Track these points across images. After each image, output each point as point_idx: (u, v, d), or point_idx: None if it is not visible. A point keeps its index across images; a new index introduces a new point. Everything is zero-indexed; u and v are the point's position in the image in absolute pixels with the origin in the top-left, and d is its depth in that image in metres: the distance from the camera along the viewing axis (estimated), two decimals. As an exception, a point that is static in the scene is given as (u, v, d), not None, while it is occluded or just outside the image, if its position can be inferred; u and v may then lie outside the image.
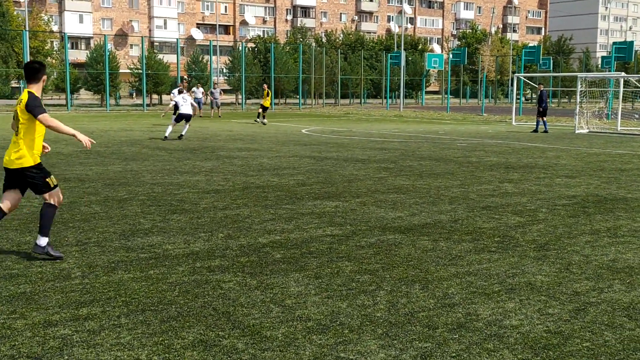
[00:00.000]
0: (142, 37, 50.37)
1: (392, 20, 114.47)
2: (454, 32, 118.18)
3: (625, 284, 6.07)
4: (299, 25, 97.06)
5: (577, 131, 27.47)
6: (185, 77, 49.53)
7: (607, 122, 29.40)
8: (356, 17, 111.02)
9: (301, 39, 78.12)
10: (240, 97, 53.07)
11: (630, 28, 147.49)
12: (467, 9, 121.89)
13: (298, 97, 52.94)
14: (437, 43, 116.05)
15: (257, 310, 5.22)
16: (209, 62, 51.98)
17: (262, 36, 79.29)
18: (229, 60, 60.59)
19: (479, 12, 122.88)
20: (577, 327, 4.96)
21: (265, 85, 33.74)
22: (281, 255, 6.94)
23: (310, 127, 29.89)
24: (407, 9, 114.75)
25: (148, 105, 51.58)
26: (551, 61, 56.22)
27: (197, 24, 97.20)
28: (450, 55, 48.25)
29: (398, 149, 19.43)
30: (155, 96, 60.06)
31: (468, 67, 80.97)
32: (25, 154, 6.45)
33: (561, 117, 40.37)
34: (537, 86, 27.60)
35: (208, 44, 68.53)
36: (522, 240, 7.74)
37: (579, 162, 16.45)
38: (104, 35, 47.94)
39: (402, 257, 6.93)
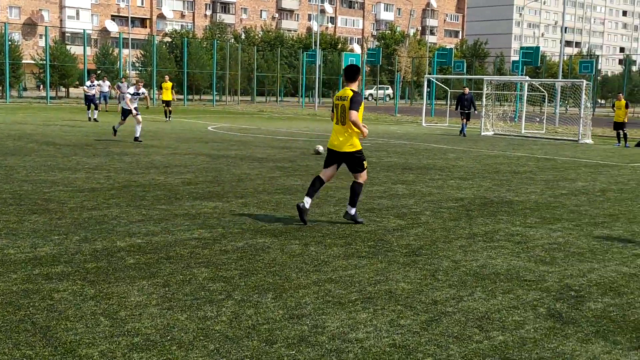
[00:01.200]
0: (46, 26, 48.35)
1: (313, 19, 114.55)
2: (374, 33, 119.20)
3: (486, 291, 5.88)
4: (217, 20, 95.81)
5: (482, 133, 27.87)
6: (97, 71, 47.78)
7: (513, 125, 29.97)
8: (277, 15, 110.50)
9: (219, 35, 77.01)
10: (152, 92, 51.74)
11: (543, 34, 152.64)
12: (387, 10, 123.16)
13: (212, 93, 51.97)
14: (357, 43, 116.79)
15: (82, 324, 4.73)
16: (120, 55, 50.33)
17: (179, 31, 77.72)
18: (141, 54, 58.97)
19: (399, 14, 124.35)
20: (425, 340, 4.69)
21: (166, 77, 32.36)
22: (135, 261, 6.45)
23: (218, 124, 29.27)
24: (328, 8, 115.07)
25: (53, 98, 49.62)
26: (465, 64, 57.17)
27: (112, 15, 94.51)
28: (365, 56, 48.33)
29: (301, 148, 19.12)
30: (64, 89, 57.88)
31: (386, 68, 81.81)
32: (355, 141, 8.35)
33: (473, 120, 40.98)
34: (462, 89, 27.40)
35: (124, 36, 66.82)
36: (396, 245, 7.50)
37: (477, 164, 16.53)
38: (4, 23, 45.72)
39: (265, 263, 6.56)
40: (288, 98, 70.85)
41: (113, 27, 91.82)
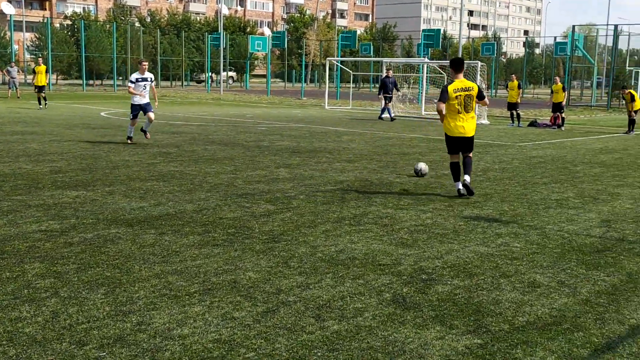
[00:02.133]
0: None
1: (220, 2, 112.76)
2: (284, 16, 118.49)
3: (336, 277, 5.67)
4: (120, 2, 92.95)
5: (382, 115, 27.93)
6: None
7: (414, 107, 30.24)
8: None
9: (122, 18, 74.67)
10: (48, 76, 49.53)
11: (450, 18, 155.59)
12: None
13: (114, 78, 50.31)
14: (268, 26, 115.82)
15: None
16: (11, 39, 47.94)
17: (80, 13, 74.87)
18: (36, 37, 56.45)
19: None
20: (254, 333, 4.42)
21: (40, 60, 29.87)
22: (-38, 258, 5.92)
23: (113, 109, 28.23)
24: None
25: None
26: (372, 47, 57.54)
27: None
28: (270, 39, 47.83)
29: (192, 133, 18.58)
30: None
31: (296, 51, 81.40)
32: (475, 126, 9.87)
33: (376, 102, 41.23)
34: (385, 72, 26.74)
35: (20, 19, 63.74)
36: (257, 232, 7.22)
37: (368, 146, 16.45)
38: None
39: (110, 256, 6.14)
40: (195, 82, 69.44)
41: (9, 9, 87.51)
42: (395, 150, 15.59)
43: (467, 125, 9.64)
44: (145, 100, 15.45)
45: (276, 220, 7.78)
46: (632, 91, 22.97)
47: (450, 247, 6.78)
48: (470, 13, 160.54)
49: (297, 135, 18.56)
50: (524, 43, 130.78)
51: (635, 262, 6.40)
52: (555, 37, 59.51)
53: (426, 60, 32.49)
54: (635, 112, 22.46)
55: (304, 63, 59.13)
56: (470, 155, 9.88)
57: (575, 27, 39.47)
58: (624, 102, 24.71)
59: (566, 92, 24.61)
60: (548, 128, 24.14)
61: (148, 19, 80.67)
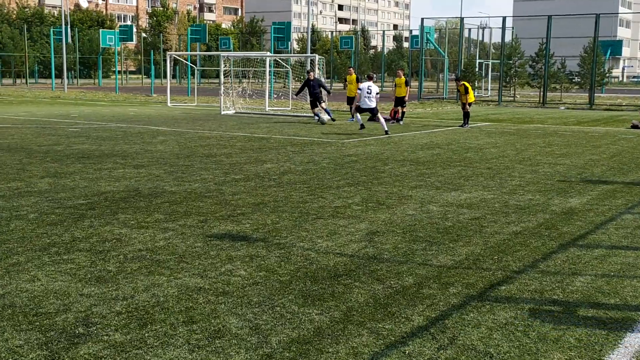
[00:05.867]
0: None
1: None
2: (149, 10, 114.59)
3: (-51, 342, 4.22)
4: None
5: (222, 112, 26.57)
6: None
7: (256, 102, 29.02)
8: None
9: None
10: None
11: (321, 12, 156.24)
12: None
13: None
14: (132, 21, 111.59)
15: None
16: None
17: None
18: None
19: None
20: None
21: None
22: None
23: None
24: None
25: None
26: (230, 41, 55.92)
27: None
28: (117, 35, 45.27)
29: (-17, 137, 16.44)
30: None
31: (159, 46, 78.44)
32: None
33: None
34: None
35: None
36: None
37: (177, 147, 15.03)
38: None
39: None
40: (45, 79, 65.28)
41: None
42: (202, 152, 14.23)
43: None
44: None
45: (-40, 252, 6.21)
46: (465, 83, 22.74)
47: (154, 281, 5.48)
48: (340, 7, 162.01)
49: (106, 137, 16.85)
50: (394, 37, 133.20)
51: (366, 291, 5.34)
52: (411, 31, 60.14)
53: (268, 54, 31.37)
54: (470, 104, 22.23)
55: (162, 58, 56.72)
56: None
57: (424, 19, 39.58)
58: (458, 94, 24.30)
59: (408, 87, 24.06)
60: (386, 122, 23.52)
61: (-6, 12, 75.23)
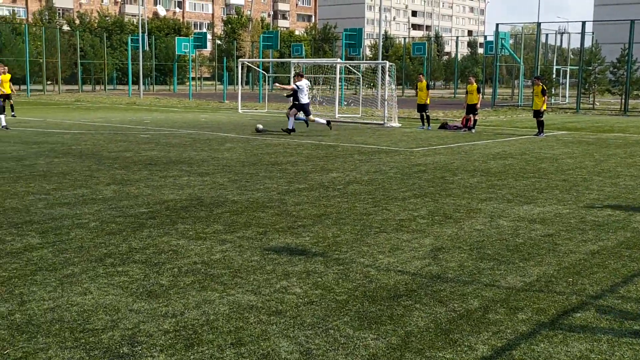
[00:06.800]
0: None
1: (159, 4, 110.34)
2: (224, 17, 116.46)
3: (-8, 358, 4.11)
4: (51, 5, 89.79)
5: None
6: None
7: (327, 109, 28.87)
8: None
9: (49, 20, 71.86)
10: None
11: (394, 18, 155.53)
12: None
13: (27, 83, 47.80)
14: (208, 28, 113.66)
15: None
16: None
17: (8, 15, 71.81)
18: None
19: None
20: None
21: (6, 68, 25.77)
22: None
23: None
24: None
25: None
26: (303, 47, 56.07)
27: None
28: (191, 42, 45.98)
29: (57, 142, 16.78)
30: None
31: (233, 53, 79.50)
32: None
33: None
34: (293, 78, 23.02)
35: None
36: (-30, 280, 5.62)
37: (243, 155, 14.96)
38: None
39: None
40: (122, 86, 67.04)
41: None
42: (267, 160, 14.11)
43: None
44: None
45: (21, 260, 6.18)
46: (543, 85, 21.92)
47: (206, 297, 5.29)
48: (414, 13, 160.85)
49: (175, 144, 16.96)
50: (469, 43, 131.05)
51: (427, 314, 5.00)
52: (485, 37, 58.99)
53: (338, 60, 31.16)
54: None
55: (235, 65, 57.39)
56: None
57: (499, 25, 38.61)
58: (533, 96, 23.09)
59: (480, 94, 23.43)
60: (457, 131, 23.00)
61: (77, 22, 77.85)
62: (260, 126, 21.26)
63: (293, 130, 20.41)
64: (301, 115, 21.06)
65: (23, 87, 54.96)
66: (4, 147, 15.46)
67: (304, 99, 20.71)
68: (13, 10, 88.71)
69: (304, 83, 20.95)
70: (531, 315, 5.02)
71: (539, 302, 5.34)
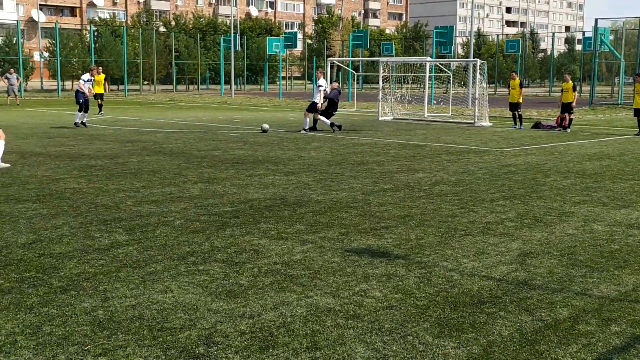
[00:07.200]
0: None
1: (252, 4, 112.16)
2: (315, 17, 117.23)
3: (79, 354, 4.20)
4: (149, 7, 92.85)
5: (380, 118, 26.35)
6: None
7: (415, 108, 28.53)
8: (214, 0, 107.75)
9: (147, 22, 74.30)
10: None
11: (487, 15, 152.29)
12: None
13: (124, 83, 49.52)
14: (299, 28, 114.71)
15: None
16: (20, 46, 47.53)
17: (104, 19, 74.76)
18: (50, 43, 56.11)
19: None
20: None
21: (99, 68, 27.11)
22: None
23: (94, 116, 27.16)
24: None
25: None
26: (392, 46, 55.74)
27: (40, 5, 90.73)
28: (282, 42, 46.45)
29: (150, 141, 17.26)
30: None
31: (323, 52, 79.96)
32: None
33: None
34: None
35: (53, 26, 63.72)
36: (56, 276, 5.78)
37: (330, 154, 14.92)
38: None
39: None
40: (215, 85, 68.53)
41: (40, 16, 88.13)
42: (353, 159, 14.01)
43: None
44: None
45: (108, 256, 6.33)
46: None
47: (284, 299, 5.24)
48: (508, 10, 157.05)
49: (262, 143, 17.11)
50: (566, 39, 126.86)
51: (511, 323, 4.77)
52: (583, 32, 56.85)
53: (428, 59, 30.70)
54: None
55: (325, 64, 57.61)
56: None
57: (599, 20, 37.06)
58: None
59: (576, 92, 22.55)
60: (551, 130, 22.21)
61: (173, 23, 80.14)
62: (265, 126, 20.37)
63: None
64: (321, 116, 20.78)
65: (121, 87, 57.07)
66: (100, 146, 16.01)
67: (316, 97, 20.43)
68: (113, 13, 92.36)
69: (321, 82, 20.65)
70: (625, 328, 4.71)
71: (635, 313, 5.01)
